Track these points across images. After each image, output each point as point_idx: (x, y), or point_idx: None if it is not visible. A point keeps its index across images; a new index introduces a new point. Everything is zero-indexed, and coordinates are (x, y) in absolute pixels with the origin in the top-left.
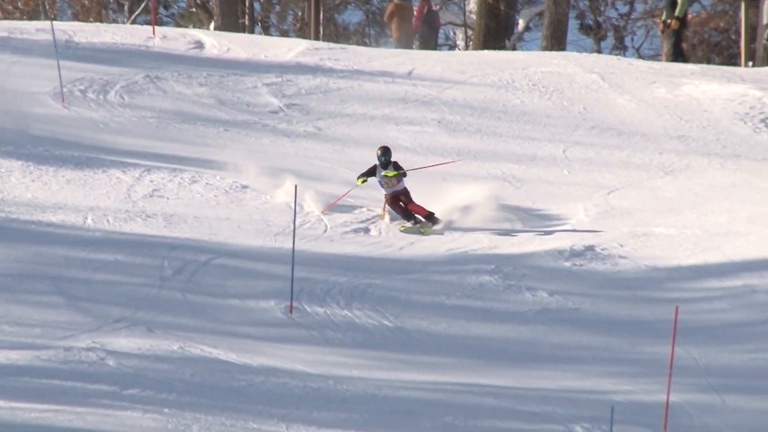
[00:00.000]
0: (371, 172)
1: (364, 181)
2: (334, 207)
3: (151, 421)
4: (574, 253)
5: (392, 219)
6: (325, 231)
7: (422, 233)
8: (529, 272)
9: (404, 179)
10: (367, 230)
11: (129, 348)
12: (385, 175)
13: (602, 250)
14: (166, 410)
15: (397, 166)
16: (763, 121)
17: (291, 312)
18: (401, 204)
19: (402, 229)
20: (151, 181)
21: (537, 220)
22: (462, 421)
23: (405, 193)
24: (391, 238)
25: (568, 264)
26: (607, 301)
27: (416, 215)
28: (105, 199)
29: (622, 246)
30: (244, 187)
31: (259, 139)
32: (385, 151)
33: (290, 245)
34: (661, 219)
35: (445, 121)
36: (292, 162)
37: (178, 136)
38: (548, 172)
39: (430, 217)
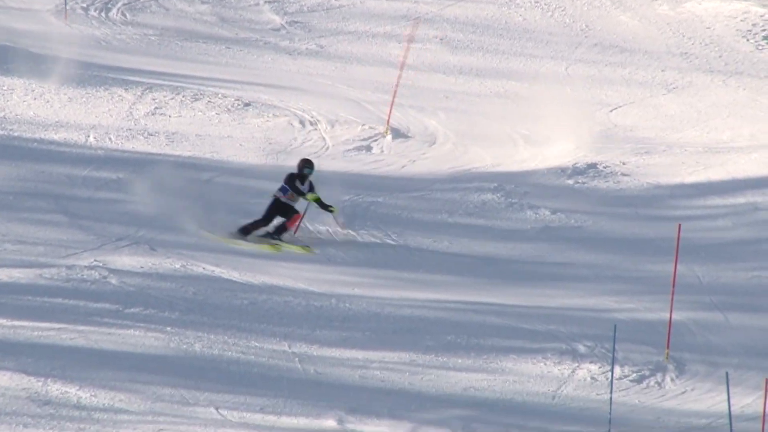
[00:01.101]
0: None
1: (316, 199)
2: (337, 124)
3: (154, 339)
4: (576, 171)
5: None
6: (327, 149)
7: (275, 249)
8: (532, 190)
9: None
10: (369, 148)
11: (131, 266)
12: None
13: (604, 168)
14: (168, 329)
15: (311, 187)
16: (765, 38)
17: (295, 232)
18: (281, 217)
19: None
20: (153, 99)
21: (539, 138)
22: (464, 339)
23: (291, 210)
24: (393, 156)
25: (570, 182)
26: (609, 219)
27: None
28: (107, 117)
29: (624, 164)
30: (246, 105)
31: (260, 56)
32: (310, 164)
33: (292, 163)
34: (664, 136)
35: (447, 38)
36: (294, 80)
37: (180, 54)
38: (550, 89)
39: (281, 231)
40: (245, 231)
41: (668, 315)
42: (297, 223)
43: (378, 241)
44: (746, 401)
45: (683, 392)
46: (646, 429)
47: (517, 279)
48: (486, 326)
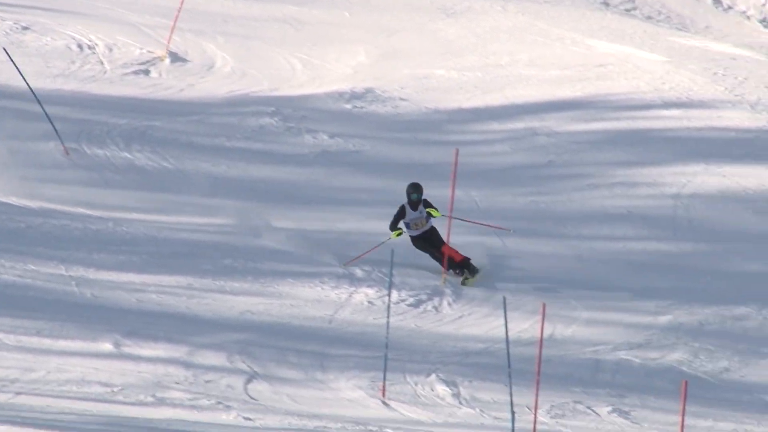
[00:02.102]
0: (401, 214)
1: (399, 234)
2: (115, 48)
3: None
4: (354, 96)
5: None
6: (105, 73)
7: (464, 285)
8: (309, 114)
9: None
10: (147, 72)
11: None
12: (429, 214)
13: (383, 92)
14: None
15: (428, 204)
16: None
17: (67, 153)
18: (433, 246)
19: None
20: None
21: (317, 63)
22: (242, 263)
23: (433, 232)
24: (171, 80)
25: (348, 106)
26: (387, 143)
27: (453, 261)
28: None
29: (402, 88)
30: (25, 28)
31: None
32: (416, 188)
33: (70, 88)
34: (443, 62)
35: None
36: (73, 4)
37: None
38: (330, 14)
39: (466, 263)
40: (461, 265)
41: (445, 239)
42: (452, 250)
43: (155, 164)
44: (523, 326)
45: (460, 317)
46: (423, 353)
47: (294, 202)
48: (263, 250)
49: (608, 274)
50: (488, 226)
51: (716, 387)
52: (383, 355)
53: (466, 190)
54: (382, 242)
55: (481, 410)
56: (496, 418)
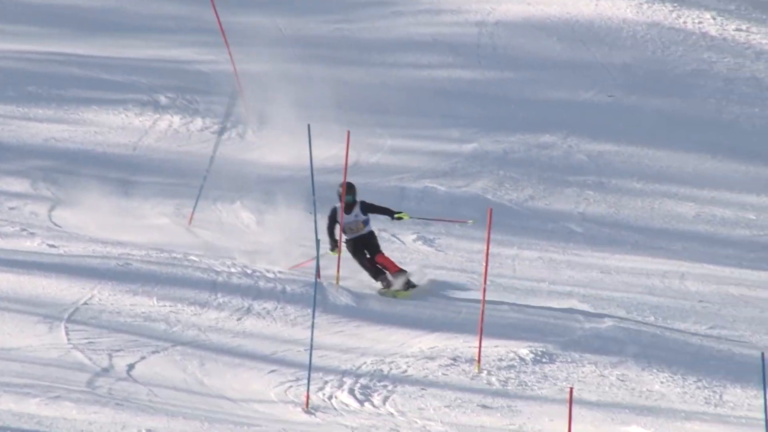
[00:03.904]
0: (334, 218)
1: (335, 251)
2: None
3: None
4: None
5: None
6: None
7: (395, 297)
8: None
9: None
10: None
11: None
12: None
13: None
14: None
15: (367, 207)
16: None
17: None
18: (366, 255)
19: (380, 292)
20: None
21: None
22: (46, 90)
23: (371, 238)
24: None
25: None
26: None
27: (385, 270)
28: None
29: None
30: None
31: None
32: (349, 189)
33: None
34: None
35: None
36: None
37: None
38: None
39: (402, 275)
40: (386, 281)
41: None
42: (388, 259)
43: None
44: (328, 153)
45: (265, 144)
46: (231, 179)
47: (100, 30)
48: (68, 77)
49: (413, 102)
50: (450, 221)
51: (521, 215)
52: (187, 183)
53: (272, 17)
54: (322, 254)
55: (285, 237)
56: (300, 245)
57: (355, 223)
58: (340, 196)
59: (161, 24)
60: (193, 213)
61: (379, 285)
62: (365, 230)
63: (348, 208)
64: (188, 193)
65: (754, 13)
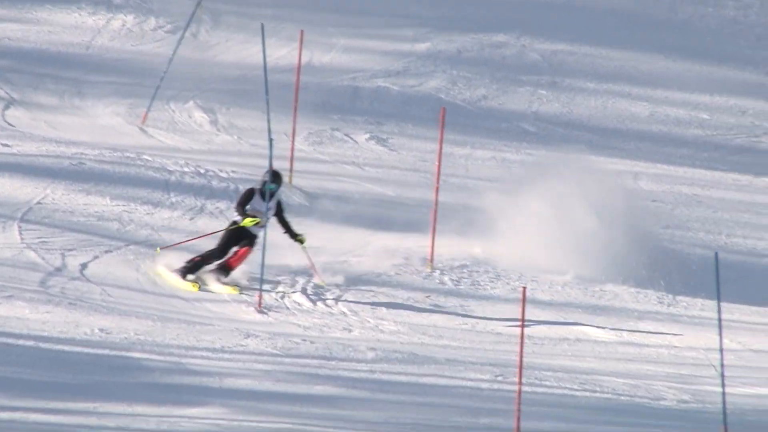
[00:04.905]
0: (248, 198)
1: (255, 222)
2: None
3: None
4: None
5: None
6: None
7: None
8: None
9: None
10: None
11: None
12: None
13: None
14: None
15: (280, 209)
16: None
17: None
18: (230, 245)
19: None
20: None
21: None
22: None
23: (249, 236)
24: None
25: None
26: None
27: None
28: None
29: None
30: None
31: None
32: (277, 178)
33: None
34: None
35: None
36: None
37: None
38: None
39: (228, 270)
40: (191, 269)
41: None
42: (244, 258)
43: None
44: (281, 53)
45: (218, 44)
46: (181, 80)
47: None
48: None
49: (366, 1)
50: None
51: (474, 114)
52: (140, 83)
53: None
54: (215, 232)
55: (239, 137)
56: (253, 144)
57: (263, 213)
58: (263, 182)
59: None
60: (147, 112)
61: (179, 275)
62: (260, 227)
63: (265, 196)
64: (142, 93)
65: None
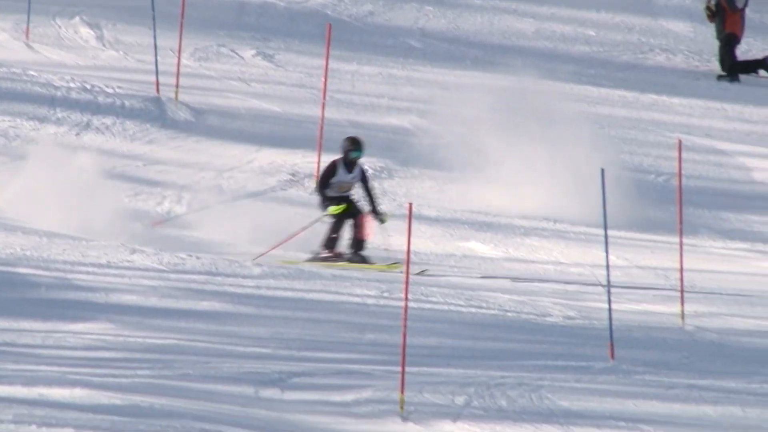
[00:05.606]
0: (331, 173)
1: (341, 210)
2: None
3: None
4: None
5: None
6: None
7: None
8: None
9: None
10: None
11: None
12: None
13: None
14: None
15: (364, 178)
16: None
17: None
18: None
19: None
20: None
21: None
22: None
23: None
24: None
25: None
26: None
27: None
28: None
29: None
30: None
31: None
32: (358, 144)
33: None
34: None
35: None
36: None
37: None
38: None
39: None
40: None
41: None
42: (367, 225)
43: None
44: None
45: None
46: None
47: None
48: None
49: None
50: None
51: (361, 30)
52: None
53: None
54: (314, 222)
55: (125, 53)
56: (139, 60)
57: (351, 182)
58: (346, 151)
59: None
60: (28, 27)
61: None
62: (350, 192)
63: (351, 166)
64: (27, 9)
65: None
